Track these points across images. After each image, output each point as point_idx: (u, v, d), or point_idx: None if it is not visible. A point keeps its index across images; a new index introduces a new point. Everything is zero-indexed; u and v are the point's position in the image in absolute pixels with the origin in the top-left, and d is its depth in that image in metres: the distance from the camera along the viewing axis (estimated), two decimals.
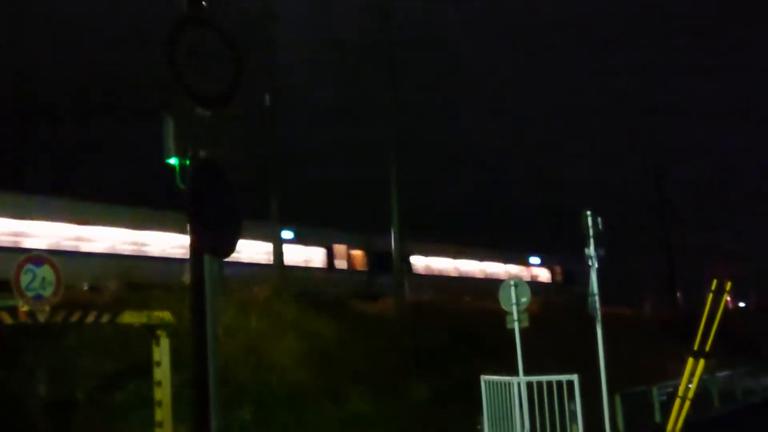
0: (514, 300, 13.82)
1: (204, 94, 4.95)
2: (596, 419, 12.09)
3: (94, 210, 20.37)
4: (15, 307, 9.90)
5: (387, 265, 24.97)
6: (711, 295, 12.72)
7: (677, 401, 12.29)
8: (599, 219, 12.59)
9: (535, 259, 38.05)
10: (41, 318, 9.98)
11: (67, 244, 19.25)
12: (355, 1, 24.60)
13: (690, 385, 12.35)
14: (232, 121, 5.16)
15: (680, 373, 12.76)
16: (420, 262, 29.93)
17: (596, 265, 12.60)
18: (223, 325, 15.91)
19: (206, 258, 4.85)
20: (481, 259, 34.31)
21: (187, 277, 5.18)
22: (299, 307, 19.58)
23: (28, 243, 18.18)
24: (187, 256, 5.02)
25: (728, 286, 13.28)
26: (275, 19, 23.30)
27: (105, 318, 10.76)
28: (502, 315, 14.12)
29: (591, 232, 12.54)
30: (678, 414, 12.15)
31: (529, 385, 13.03)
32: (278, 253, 22.51)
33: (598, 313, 12.57)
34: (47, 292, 9.98)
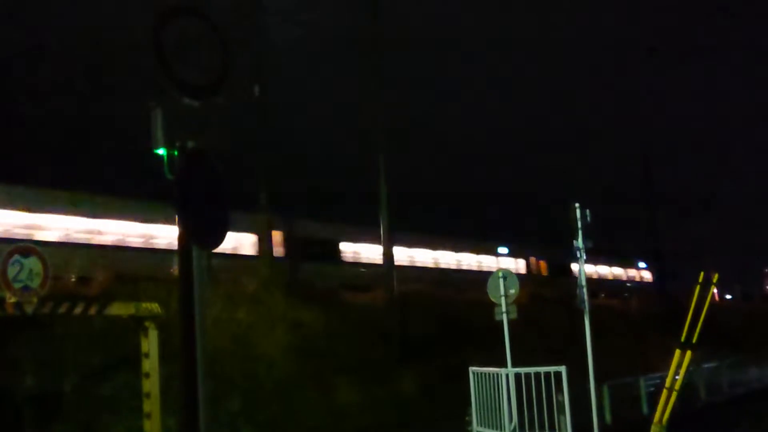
0: (502, 291, 13.87)
1: (192, 84, 4.92)
2: (584, 410, 12.14)
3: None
4: (2, 299, 9.85)
5: (314, 253, 23.78)
6: (698, 287, 12.77)
7: (664, 392, 12.33)
8: (587, 211, 12.62)
9: (503, 250, 37.01)
10: (29, 309, 9.94)
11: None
12: None
13: (677, 377, 12.40)
14: (221, 111, 5.14)
15: (667, 365, 12.82)
16: (350, 249, 28.00)
17: (584, 257, 12.64)
18: (212, 316, 15.91)
19: (194, 249, 4.83)
20: (441, 248, 32.86)
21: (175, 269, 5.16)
22: (287, 299, 19.58)
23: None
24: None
25: (715, 278, 13.34)
26: (264, 9, 23.21)
27: (93, 309, 10.72)
28: (489, 305, 14.17)
29: (579, 224, 12.58)
30: (665, 405, 12.20)
31: (518, 376, 13.08)
32: (268, 245, 22.49)
33: (587, 304, 12.61)
34: (35, 283, 9.94)
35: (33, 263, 9.95)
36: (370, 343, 20.05)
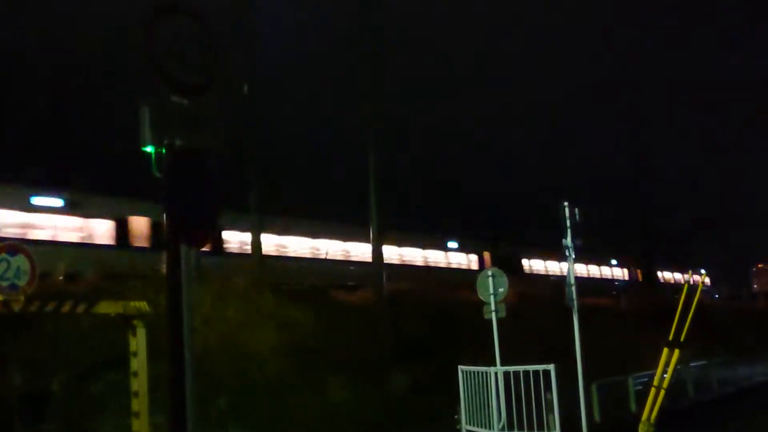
0: (491, 290, 13.90)
1: (180, 82, 4.92)
2: (573, 408, 12.18)
3: None
4: None
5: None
6: (686, 286, 12.85)
7: (652, 391, 12.40)
8: (576, 210, 12.66)
9: (452, 244, 34.91)
10: (16, 308, 9.89)
11: None
12: None
13: (665, 375, 12.47)
14: (210, 109, 5.13)
15: (656, 363, 12.88)
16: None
17: (573, 256, 12.68)
18: (202, 315, 15.88)
19: (183, 248, 4.82)
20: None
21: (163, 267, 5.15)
22: (277, 297, 19.56)
23: None
24: None
25: (703, 277, 13.45)
26: (253, 8, 23.19)
27: (81, 308, 10.67)
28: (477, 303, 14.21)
29: (568, 222, 12.62)
30: (653, 403, 12.27)
31: (506, 374, 13.11)
32: (257, 243, 22.48)
33: (575, 303, 12.65)
34: (22, 281, 9.89)
35: (20, 261, 9.90)
36: (360, 341, 20.06)
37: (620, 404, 15.98)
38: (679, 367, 14.19)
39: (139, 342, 10.69)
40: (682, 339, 12.37)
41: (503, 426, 12.90)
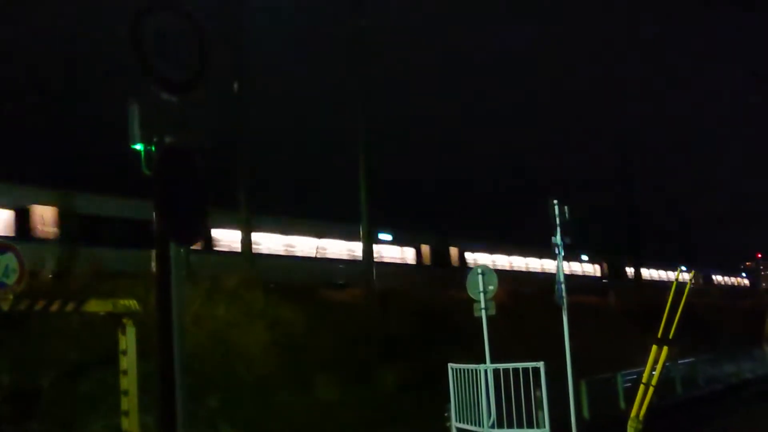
0: (481, 288, 13.92)
1: (170, 79, 4.90)
2: (562, 405, 12.22)
3: None
4: None
5: (103, 234, 20.29)
6: (674, 284, 12.91)
7: (641, 388, 12.45)
8: (566, 208, 12.69)
9: (385, 236, 31.17)
10: (5, 306, 9.83)
11: None
12: None
13: (654, 372, 12.53)
14: (199, 107, 5.12)
15: (644, 361, 12.94)
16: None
17: (563, 254, 12.72)
18: (191, 313, 15.85)
19: (172, 246, 4.81)
20: (294, 233, 28.00)
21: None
22: (267, 295, 19.55)
23: None
24: None
25: (692, 274, 13.52)
26: (243, 5, 23.17)
27: (70, 306, 10.63)
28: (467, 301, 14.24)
29: (558, 220, 12.65)
30: (642, 400, 12.31)
31: (496, 372, 13.14)
32: (247, 241, 22.46)
33: (565, 301, 12.68)
34: (11, 280, 9.85)
35: (8, 259, 9.86)
36: (349, 339, 20.07)
37: (609, 401, 16.04)
38: (667, 364, 14.27)
39: (128, 340, 10.66)
40: (670, 336, 12.43)
41: (493, 423, 12.93)
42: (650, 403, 12.35)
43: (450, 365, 13.94)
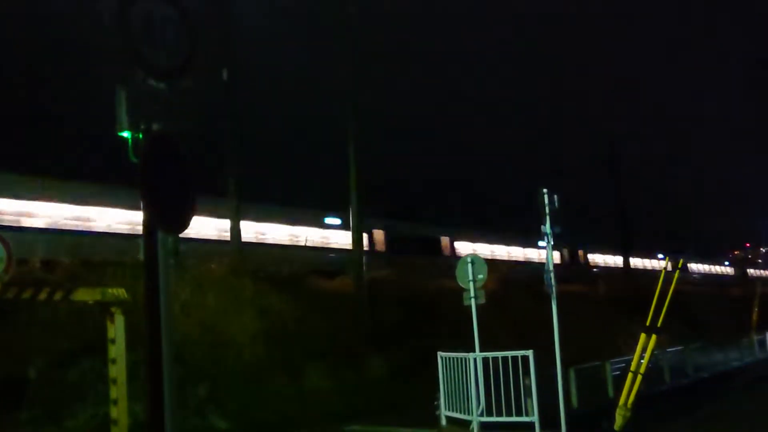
0: (470, 277, 13.93)
1: (157, 66, 4.85)
2: (551, 394, 12.26)
3: None
4: None
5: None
6: (663, 272, 12.96)
7: (630, 376, 12.51)
8: (555, 197, 12.68)
9: (333, 220, 28.69)
10: None
11: None
12: None
13: (642, 360, 12.59)
14: (187, 94, 5.07)
15: (633, 349, 13.00)
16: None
17: (552, 242, 12.72)
18: (180, 301, 15.81)
19: (160, 234, 4.77)
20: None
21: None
22: (256, 284, 19.52)
23: None
24: None
25: (680, 263, 13.56)
26: None
27: (58, 295, 10.58)
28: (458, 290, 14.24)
29: (547, 209, 12.64)
30: (630, 388, 12.38)
31: (485, 360, 13.17)
32: (236, 230, 22.38)
33: (554, 289, 12.70)
34: None
35: None
36: (340, 328, 20.08)
37: (598, 389, 16.11)
38: (656, 352, 14.34)
39: (117, 329, 10.62)
40: (659, 325, 12.49)
41: (482, 411, 12.96)
42: (639, 390, 12.42)
43: (439, 353, 13.96)
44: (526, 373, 12.42)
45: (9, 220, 18.68)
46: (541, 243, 13.45)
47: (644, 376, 12.46)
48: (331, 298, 21.60)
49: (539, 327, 14.86)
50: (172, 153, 4.80)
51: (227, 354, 16.61)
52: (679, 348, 21.85)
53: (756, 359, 26.10)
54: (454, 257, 29.70)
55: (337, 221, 28.50)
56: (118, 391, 10.46)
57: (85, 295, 10.78)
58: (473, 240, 37.13)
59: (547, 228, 12.66)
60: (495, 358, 12.98)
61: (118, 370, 10.54)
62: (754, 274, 75.54)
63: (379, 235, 30.37)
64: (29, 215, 19.39)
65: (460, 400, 13.28)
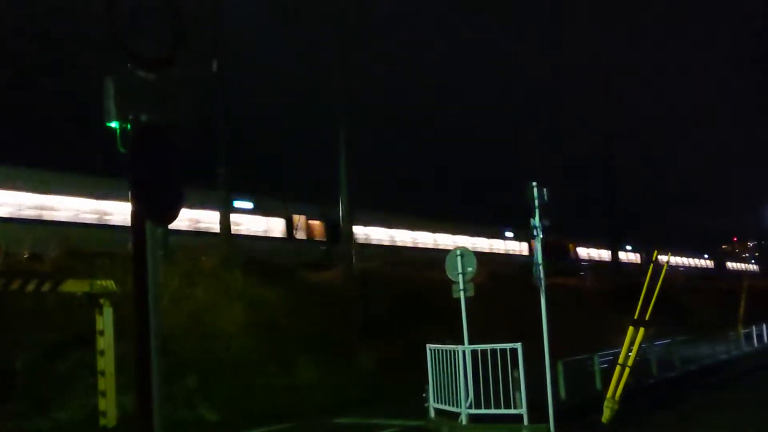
0: (460, 269, 13.93)
1: (146, 56, 4.82)
2: (540, 386, 12.30)
3: None
4: None
5: None
6: (651, 266, 13.02)
7: (617, 369, 12.58)
8: (544, 190, 12.70)
9: (244, 204, 25.87)
10: None
11: None
12: None
13: (630, 353, 12.65)
14: (176, 84, 5.04)
15: (621, 342, 13.07)
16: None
17: (541, 236, 12.74)
18: (169, 293, 15.78)
19: (148, 225, 4.75)
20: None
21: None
22: (246, 276, 19.50)
23: None
24: None
25: (668, 256, 13.62)
26: None
27: (47, 286, 10.55)
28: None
29: (536, 202, 12.65)
30: (618, 381, 12.45)
31: (474, 353, 13.19)
32: (226, 222, 22.34)
33: (543, 282, 12.72)
34: None
35: None
36: (330, 320, 20.09)
37: (586, 381, 16.17)
38: (643, 345, 14.41)
39: (105, 321, 10.62)
40: (647, 318, 12.56)
41: (471, 404, 13.00)
42: (626, 383, 12.49)
43: (428, 346, 13.97)
44: (515, 365, 12.46)
45: None
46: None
47: (632, 368, 12.52)
48: (321, 290, 21.59)
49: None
50: (161, 144, 4.78)
51: (219, 346, 16.61)
52: (666, 341, 21.97)
53: (743, 352, 26.25)
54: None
55: (248, 205, 26.07)
56: (106, 383, 10.47)
57: (73, 286, 10.76)
58: (398, 226, 33.93)
59: (536, 221, 12.67)
60: (484, 351, 13.01)
61: (106, 362, 10.54)
62: (733, 268, 76.50)
63: (300, 220, 28.07)
64: None
65: (449, 392, 13.31)
